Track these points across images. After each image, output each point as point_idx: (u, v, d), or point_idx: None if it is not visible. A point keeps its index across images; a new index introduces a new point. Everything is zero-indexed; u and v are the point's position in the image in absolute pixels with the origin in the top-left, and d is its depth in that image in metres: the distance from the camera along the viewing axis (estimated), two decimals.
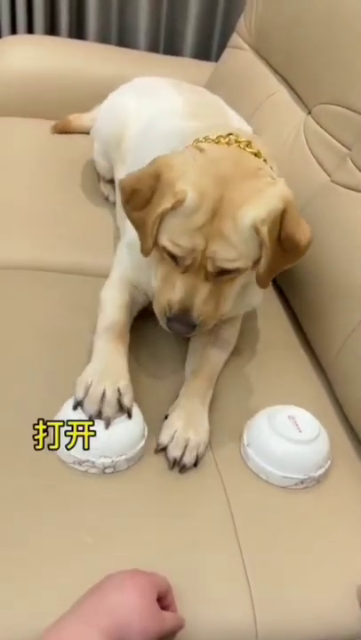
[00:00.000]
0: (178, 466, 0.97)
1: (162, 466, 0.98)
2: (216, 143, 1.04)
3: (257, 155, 1.05)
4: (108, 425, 0.93)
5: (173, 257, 0.96)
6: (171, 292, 0.97)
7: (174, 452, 0.97)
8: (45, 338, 1.14)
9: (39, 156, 1.73)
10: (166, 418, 1.03)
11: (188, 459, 0.97)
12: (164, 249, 0.96)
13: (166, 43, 2.37)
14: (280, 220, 0.94)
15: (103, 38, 2.32)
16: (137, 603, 0.72)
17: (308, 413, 1.01)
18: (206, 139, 1.05)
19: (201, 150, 0.98)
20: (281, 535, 0.92)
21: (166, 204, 0.92)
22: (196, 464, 0.98)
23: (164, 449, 0.98)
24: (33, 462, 0.93)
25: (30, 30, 2.28)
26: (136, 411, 0.97)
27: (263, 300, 1.31)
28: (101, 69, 1.98)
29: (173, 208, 0.92)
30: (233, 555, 0.87)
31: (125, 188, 0.99)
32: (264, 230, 0.91)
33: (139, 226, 0.99)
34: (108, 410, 0.93)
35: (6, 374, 1.07)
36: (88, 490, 0.92)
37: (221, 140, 1.05)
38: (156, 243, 0.97)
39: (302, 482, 0.97)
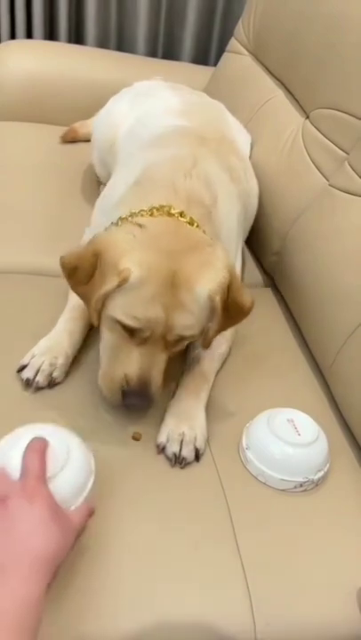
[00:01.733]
0: (178, 461, 0.97)
1: (161, 468, 0.98)
2: (150, 215, 1.05)
3: (190, 223, 1.07)
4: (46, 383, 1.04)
5: (128, 329, 0.96)
6: (126, 364, 0.98)
7: (172, 448, 0.98)
8: None
9: (39, 160, 1.74)
10: None
11: (186, 452, 0.98)
12: (117, 322, 0.97)
13: (165, 48, 2.38)
14: (227, 289, 0.99)
15: (102, 44, 2.33)
16: (31, 535, 0.71)
17: (307, 416, 1.02)
18: (140, 212, 1.05)
19: (140, 226, 1.00)
20: (280, 538, 0.92)
21: (110, 284, 0.94)
22: (197, 458, 0.99)
23: (165, 449, 0.99)
24: None
25: (29, 36, 2.29)
26: (77, 452, 0.84)
27: (263, 305, 1.31)
28: (101, 74, 1.99)
29: (119, 286, 0.94)
30: (232, 557, 0.87)
31: (66, 265, 1.00)
32: (217, 300, 0.97)
33: (84, 299, 1.03)
34: (41, 378, 1.04)
35: (5, 379, 1.07)
36: None
37: (155, 212, 1.05)
38: (100, 317, 0.99)
39: (301, 485, 0.97)
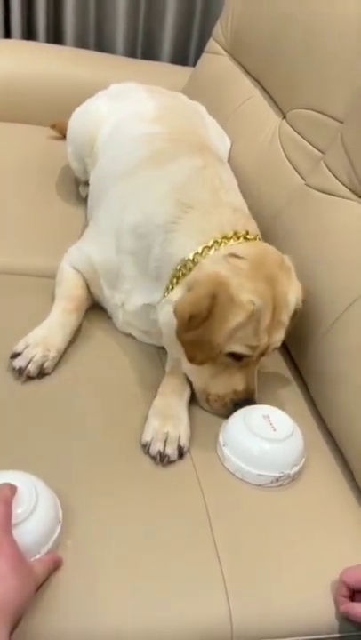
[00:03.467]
0: (161, 459, 0.99)
1: (139, 466, 0.99)
2: (235, 242, 1.07)
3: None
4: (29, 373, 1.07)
5: (236, 356, 1.03)
6: (231, 384, 1.06)
7: (156, 447, 1.00)
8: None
9: (17, 159, 1.74)
10: None
11: (170, 450, 1.00)
12: (230, 354, 1.03)
13: (144, 48, 2.38)
14: None
15: (81, 43, 2.33)
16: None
17: (282, 412, 1.03)
18: (222, 240, 1.07)
19: (239, 257, 1.04)
20: (256, 533, 0.93)
21: (238, 318, 0.99)
22: (181, 455, 1.01)
23: (149, 448, 1.00)
24: None
25: (7, 35, 2.28)
26: (44, 501, 0.84)
27: None
28: (81, 74, 2.00)
29: (249, 319, 0.99)
30: (209, 552, 0.88)
31: (183, 315, 1.00)
32: (300, 305, 1.09)
33: (194, 343, 1.02)
34: (32, 367, 1.07)
35: None
36: None
37: (235, 238, 1.08)
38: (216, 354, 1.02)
39: (277, 480, 0.98)
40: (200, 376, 1.08)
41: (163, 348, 1.19)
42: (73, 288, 1.23)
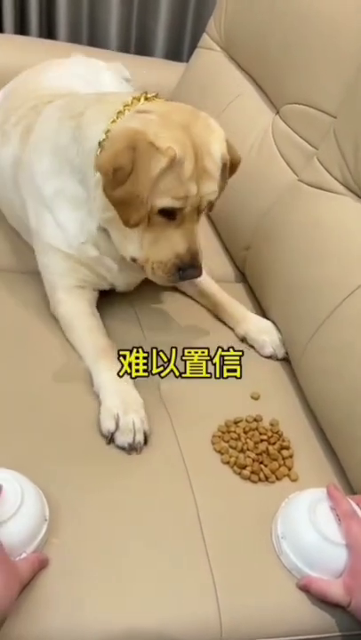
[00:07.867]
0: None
1: (130, 465, 0.98)
2: (136, 103, 1.07)
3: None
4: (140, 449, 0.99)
5: (169, 213, 1.02)
6: (171, 247, 1.04)
7: (281, 351, 1.23)
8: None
9: None
10: None
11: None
12: (160, 210, 1.01)
13: (137, 43, 2.36)
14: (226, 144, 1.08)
15: (74, 38, 2.31)
16: None
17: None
18: (125, 108, 1.05)
19: (147, 112, 1.03)
20: (247, 531, 0.92)
21: (159, 165, 0.97)
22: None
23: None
24: None
25: (0, 30, 2.26)
26: (30, 500, 0.83)
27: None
28: None
29: (170, 166, 0.97)
30: (199, 552, 0.88)
31: (107, 170, 0.98)
32: (227, 157, 1.07)
33: (124, 201, 1.00)
34: (140, 437, 0.99)
35: None
36: None
37: (136, 100, 1.07)
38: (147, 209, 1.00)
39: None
40: (140, 246, 1.06)
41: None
42: (99, 338, 1.15)
